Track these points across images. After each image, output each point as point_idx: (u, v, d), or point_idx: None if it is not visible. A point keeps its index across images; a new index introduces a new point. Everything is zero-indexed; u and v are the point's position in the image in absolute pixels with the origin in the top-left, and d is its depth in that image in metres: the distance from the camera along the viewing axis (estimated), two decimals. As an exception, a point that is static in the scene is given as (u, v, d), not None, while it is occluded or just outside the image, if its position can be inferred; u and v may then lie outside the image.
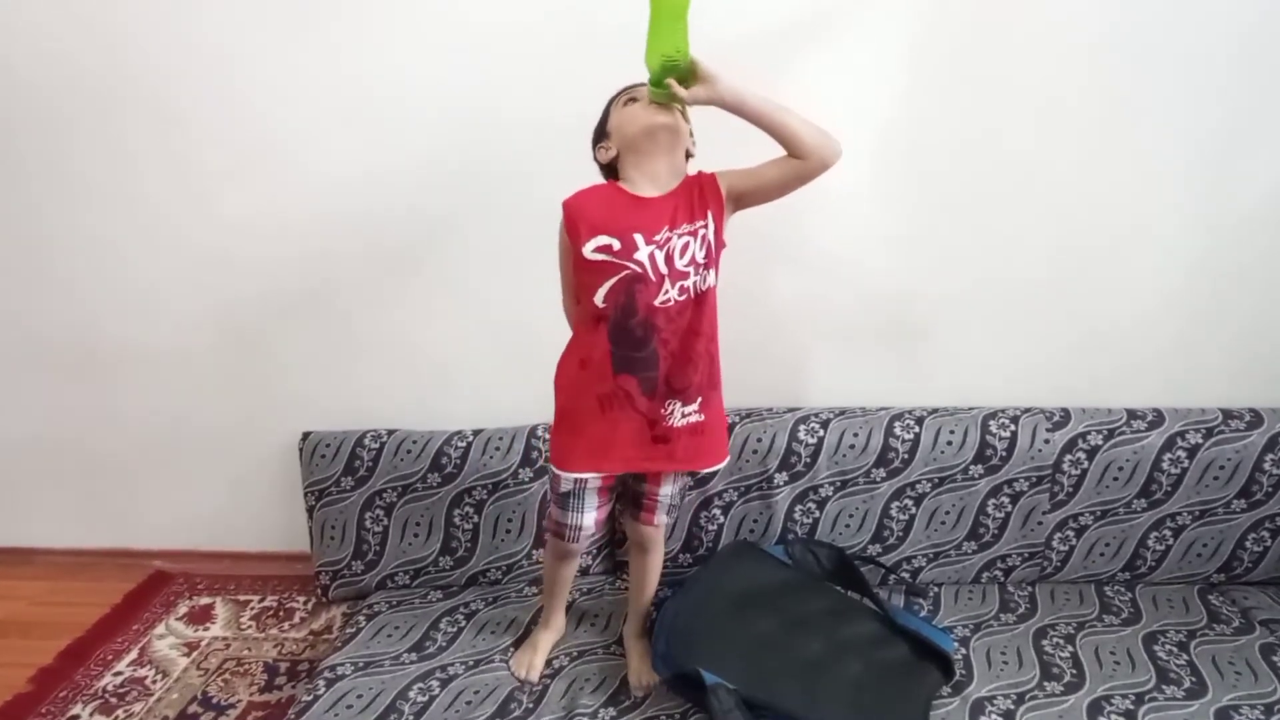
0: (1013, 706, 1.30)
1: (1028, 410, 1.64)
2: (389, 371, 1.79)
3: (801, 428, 1.62)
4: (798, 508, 1.63)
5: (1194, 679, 1.35)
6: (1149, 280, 1.65)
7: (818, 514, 1.63)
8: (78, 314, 1.83)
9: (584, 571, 1.70)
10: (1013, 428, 1.60)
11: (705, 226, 1.21)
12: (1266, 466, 1.57)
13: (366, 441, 1.71)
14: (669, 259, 1.19)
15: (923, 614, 1.54)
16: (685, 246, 1.20)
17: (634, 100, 1.22)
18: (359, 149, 1.63)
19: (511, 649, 1.48)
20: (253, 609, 1.82)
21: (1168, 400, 1.66)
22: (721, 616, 1.37)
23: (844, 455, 1.61)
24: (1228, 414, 1.61)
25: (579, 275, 1.24)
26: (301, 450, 1.74)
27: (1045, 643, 1.45)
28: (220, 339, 1.81)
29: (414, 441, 1.71)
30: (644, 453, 1.27)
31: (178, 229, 1.73)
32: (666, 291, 1.20)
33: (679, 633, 1.35)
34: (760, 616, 1.38)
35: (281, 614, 1.80)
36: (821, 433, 1.61)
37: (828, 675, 1.30)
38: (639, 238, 1.18)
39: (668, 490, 1.36)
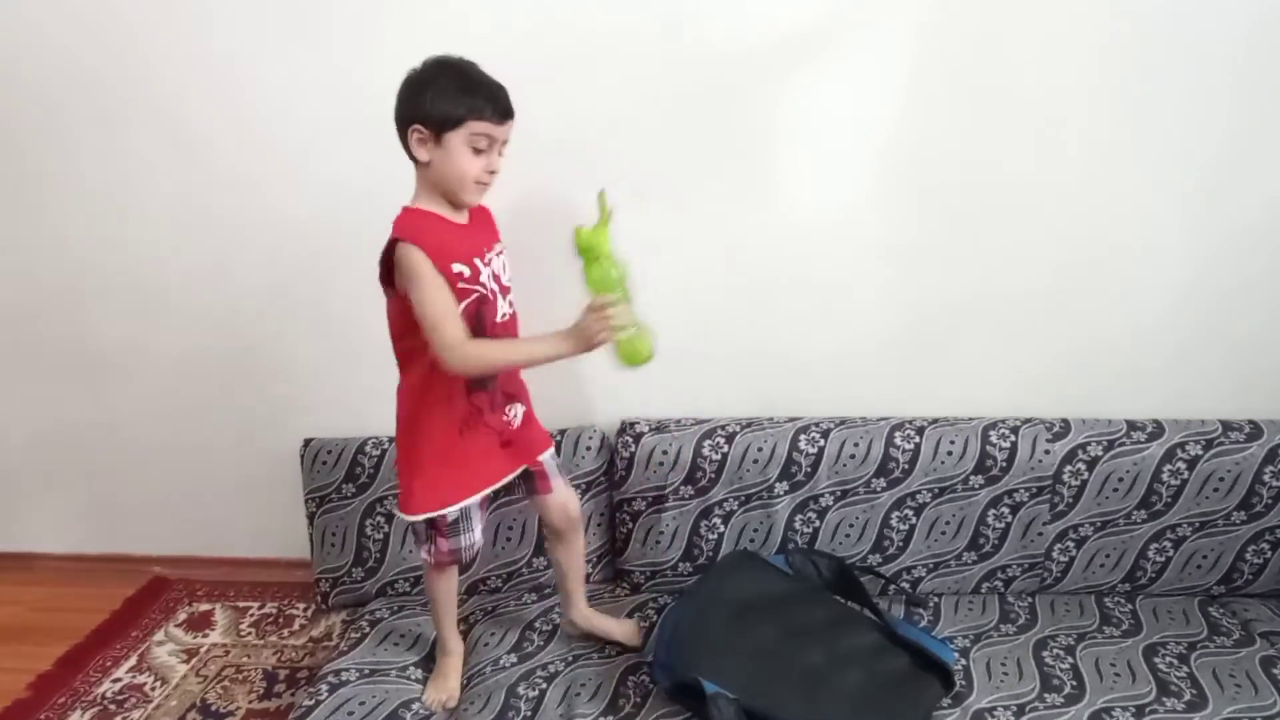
0: (1013, 718, 1.30)
1: (1028, 421, 1.64)
2: (391, 379, 1.79)
3: (802, 437, 1.62)
4: (798, 517, 1.63)
5: (1194, 691, 1.35)
6: (1150, 292, 1.65)
7: (818, 524, 1.63)
8: (80, 319, 1.84)
9: (584, 579, 1.70)
10: (1013, 438, 1.61)
11: (501, 244, 1.31)
12: (1266, 478, 1.58)
13: (368, 449, 1.71)
14: (496, 277, 1.27)
15: (922, 624, 1.54)
16: (503, 264, 1.30)
17: (480, 152, 1.19)
18: (363, 154, 1.63)
19: (420, 685, 1.43)
20: (252, 616, 1.82)
21: (1168, 412, 1.67)
22: (722, 626, 1.37)
23: (844, 465, 1.61)
24: (1227, 426, 1.61)
25: None
26: (303, 457, 1.74)
27: (1045, 654, 1.45)
28: (222, 344, 1.81)
29: (415, 449, 1.71)
30: (500, 463, 1.37)
31: (180, 233, 1.74)
32: (502, 308, 1.28)
33: (679, 642, 1.35)
34: (761, 626, 1.38)
35: (281, 621, 1.80)
36: (822, 442, 1.61)
37: (828, 685, 1.30)
38: (478, 261, 1.23)
39: (545, 457, 1.43)
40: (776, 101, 1.55)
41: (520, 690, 1.40)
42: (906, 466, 1.61)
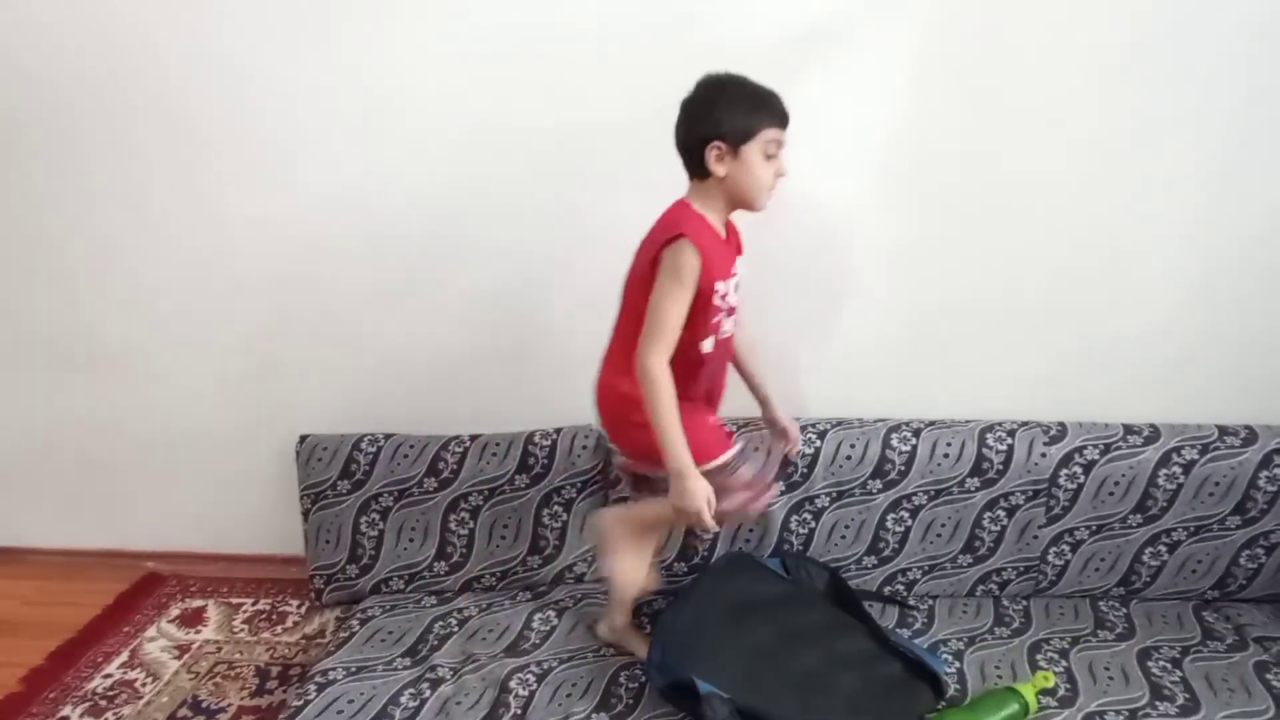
0: (1007, 721, 1.29)
1: (1025, 424, 1.64)
2: (388, 376, 1.80)
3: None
4: (794, 518, 1.63)
5: (1187, 695, 1.35)
6: (1148, 297, 1.65)
7: (813, 525, 1.63)
8: (77, 314, 1.83)
9: (579, 579, 1.70)
10: (1010, 441, 1.61)
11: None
12: (1261, 483, 1.58)
13: (364, 445, 1.71)
14: (731, 295, 1.31)
15: (916, 626, 1.54)
16: (737, 283, 1.32)
17: (771, 158, 1.24)
18: (361, 152, 1.64)
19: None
20: (245, 612, 1.81)
21: (1165, 416, 1.66)
22: (718, 626, 1.37)
23: (840, 466, 1.61)
24: (1224, 430, 1.61)
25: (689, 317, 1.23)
26: (298, 453, 1.74)
27: (1040, 657, 1.45)
28: (219, 340, 1.81)
29: (411, 446, 1.71)
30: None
31: (180, 231, 1.74)
32: (726, 327, 1.33)
33: (675, 642, 1.34)
34: (757, 627, 1.38)
35: (274, 617, 1.79)
36: (818, 443, 1.61)
37: (823, 688, 1.30)
38: (728, 280, 1.29)
39: None
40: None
41: (512, 686, 1.40)
42: (903, 468, 1.61)
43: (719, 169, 1.23)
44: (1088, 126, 1.54)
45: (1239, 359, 1.68)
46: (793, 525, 1.63)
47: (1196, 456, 1.59)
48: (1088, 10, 1.47)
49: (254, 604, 1.83)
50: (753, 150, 1.22)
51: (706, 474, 1.26)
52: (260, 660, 1.66)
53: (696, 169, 1.26)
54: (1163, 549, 1.62)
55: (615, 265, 1.65)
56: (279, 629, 1.75)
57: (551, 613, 1.60)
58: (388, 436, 1.73)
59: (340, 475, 1.70)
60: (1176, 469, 1.59)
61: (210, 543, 1.97)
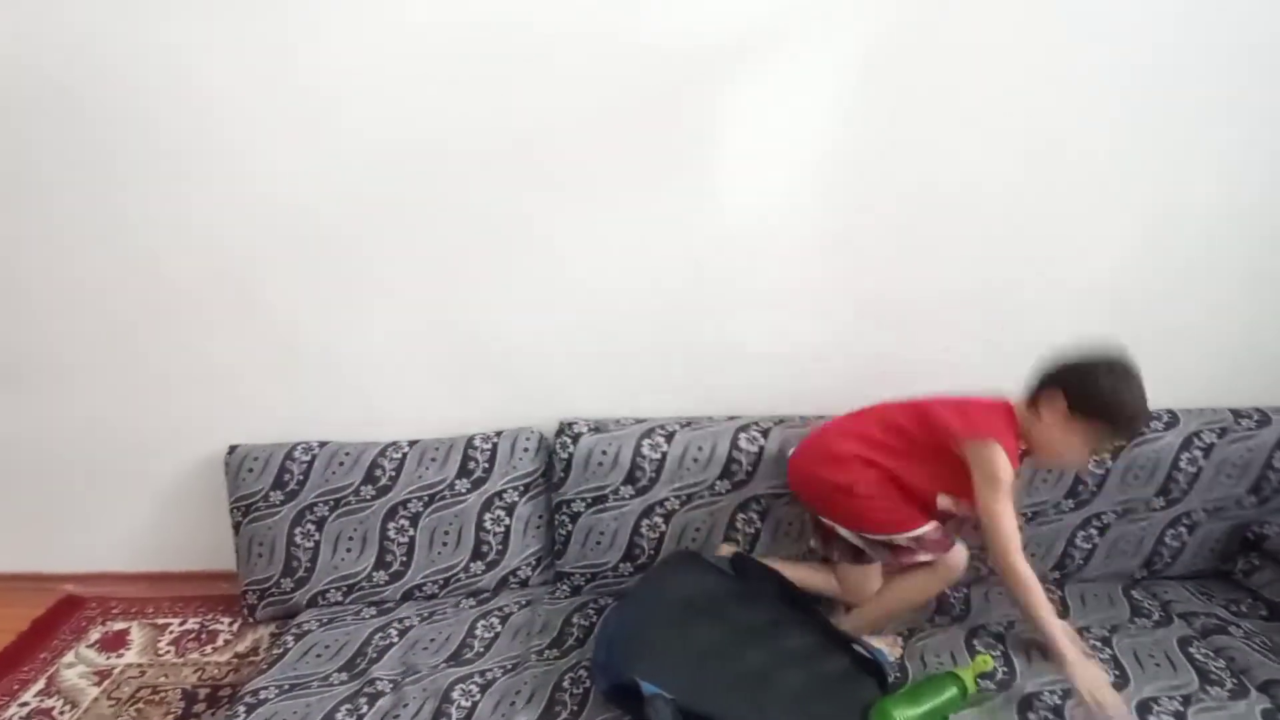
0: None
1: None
2: (321, 382, 1.73)
3: (742, 436, 1.62)
4: (740, 516, 1.63)
5: (1117, 673, 1.39)
6: (1087, 292, 1.69)
7: (760, 523, 1.63)
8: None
9: (523, 583, 1.67)
10: (946, 432, 1.63)
11: None
12: (1182, 464, 1.64)
13: (297, 454, 1.65)
14: None
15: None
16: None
17: (1094, 452, 1.39)
18: (299, 154, 1.57)
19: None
20: (172, 633, 1.73)
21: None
22: (662, 626, 1.35)
23: (783, 464, 1.61)
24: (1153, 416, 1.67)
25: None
26: (227, 464, 1.67)
27: (978, 642, 1.47)
28: (142, 347, 1.72)
29: (347, 453, 1.66)
30: None
31: (101, 231, 1.64)
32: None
33: (618, 643, 1.32)
34: (702, 626, 1.36)
35: (204, 637, 1.71)
36: (762, 441, 1.61)
37: (768, 686, 1.29)
38: None
39: None
40: (720, 102, 1.54)
41: (454, 697, 1.36)
42: (844, 462, 1.62)
43: (1045, 413, 1.34)
44: (1026, 123, 1.55)
45: (1162, 345, 1.73)
46: (739, 524, 1.63)
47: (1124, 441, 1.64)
48: (1025, 12, 1.49)
49: (181, 624, 1.75)
50: (1086, 431, 1.32)
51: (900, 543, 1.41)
52: (188, 683, 1.58)
53: (1035, 396, 1.37)
54: (1094, 532, 1.67)
55: (553, 268, 1.64)
56: (208, 649, 1.67)
57: (495, 620, 1.56)
58: (322, 444, 1.67)
59: (273, 486, 1.64)
60: (1104, 455, 1.64)
61: (133, 562, 1.87)
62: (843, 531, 1.48)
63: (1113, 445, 1.33)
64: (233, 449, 1.67)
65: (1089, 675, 1.30)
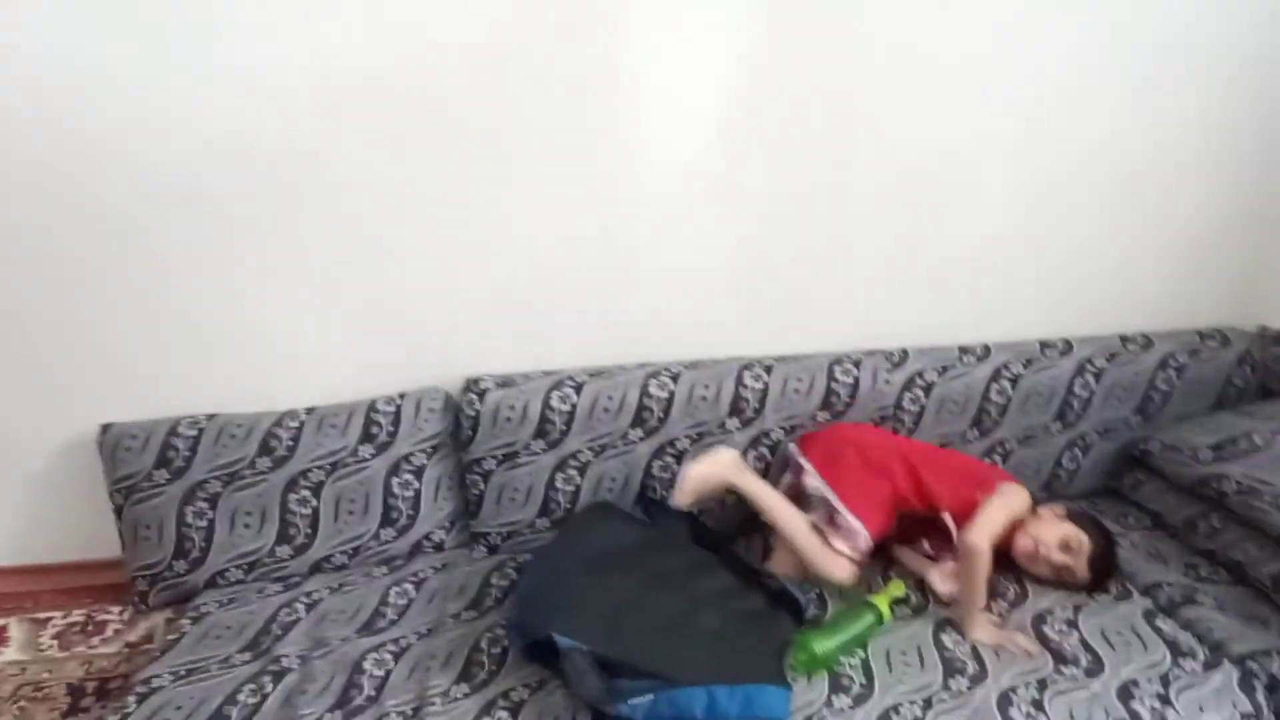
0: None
1: (870, 353, 1.69)
2: (202, 350, 1.60)
3: (653, 382, 1.59)
4: (656, 463, 1.61)
5: (1018, 588, 1.45)
6: (980, 229, 1.73)
7: (676, 467, 1.62)
8: None
9: (438, 547, 1.62)
10: (856, 371, 1.65)
11: None
12: (1076, 390, 1.71)
13: (181, 429, 1.53)
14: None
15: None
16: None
17: (1045, 557, 1.46)
18: (167, 100, 1.41)
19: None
20: (55, 626, 1.60)
21: (994, 335, 1.77)
22: (576, 580, 1.33)
23: (697, 407, 1.60)
24: (1044, 344, 1.74)
25: None
26: (101, 445, 1.53)
27: (892, 570, 1.52)
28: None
29: (238, 425, 1.55)
30: None
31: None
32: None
33: (531, 601, 1.30)
34: (616, 577, 1.35)
35: (91, 629, 1.59)
36: (673, 386, 1.59)
37: (686, 629, 1.29)
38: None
39: None
40: (620, 42, 1.47)
41: (366, 668, 1.31)
42: (758, 406, 1.62)
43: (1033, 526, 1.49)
44: (924, 62, 1.56)
45: (1057, 276, 1.80)
46: (655, 470, 1.61)
47: (1022, 370, 1.70)
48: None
49: (65, 617, 1.62)
50: (1049, 531, 1.46)
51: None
52: (74, 677, 1.47)
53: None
54: (998, 459, 1.73)
55: (451, 222, 1.55)
56: (96, 640, 1.56)
57: (410, 586, 1.51)
58: (210, 417, 1.56)
59: (156, 464, 1.52)
60: (1005, 384, 1.69)
61: (7, 555, 1.72)
62: (811, 477, 1.51)
63: (1066, 566, 1.45)
64: (106, 428, 1.54)
65: (995, 634, 1.36)
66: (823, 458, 1.53)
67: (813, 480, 1.50)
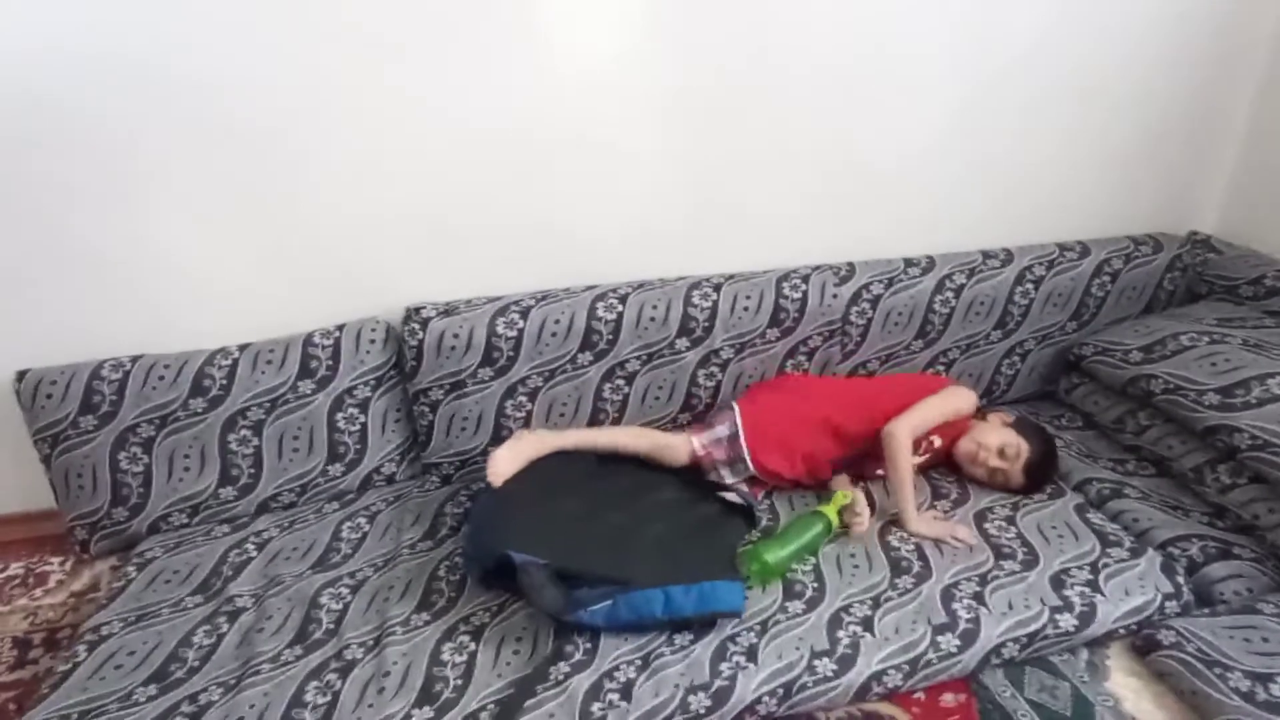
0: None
1: (817, 268, 1.69)
2: (119, 288, 1.50)
3: (600, 305, 1.56)
4: (606, 386, 1.60)
5: (960, 490, 1.51)
6: (915, 133, 1.70)
7: (627, 390, 1.61)
8: None
9: (389, 480, 1.60)
10: (804, 287, 1.65)
11: None
12: (1016, 299, 1.75)
13: (105, 373, 1.45)
14: None
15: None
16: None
17: (985, 459, 1.52)
18: (52, 12, 1.27)
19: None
20: (-8, 582, 1.55)
21: (937, 246, 1.77)
22: (527, 504, 1.33)
23: (646, 329, 1.58)
24: (986, 254, 1.76)
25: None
26: (19, 393, 1.45)
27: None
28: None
29: (166, 366, 1.47)
30: None
31: None
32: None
33: (483, 527, 1.30)
34: (566, 499, 1.36)
35: (32, 581, 1.55)
36: (620, 308, 1.57)
37: (636, 539, 1.32)
38: None
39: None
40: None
41: (323, 602, 1.30)
42: (707, 325, 1.61)
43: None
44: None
45: (998, 186, 1.80)
46: (606, 393, 1.61)
47: (965, 280, 1.72)
48: None
49: (2, 570, 1.57)
50: (991, 436, 1.51)
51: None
52: (18, 630, 1.43)
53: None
54: (941, 368, 1.77)
55: (373, 141, 1.45)
56: (39, 592, 1.51)
57: (363, 520, 1.50)
58: (135, 359, 1.48)
59: (80, 410, 1.44)
60: (949, 294, 1.72)
61: (-68, 513, 1.64)
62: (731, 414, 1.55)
63: (1000, 467, 1.51)
64: (21, 375, 1.45)
65: (934, 527, 1.42)
66: (752, 407, 1.55)
67: (732, 416, 1.53)
